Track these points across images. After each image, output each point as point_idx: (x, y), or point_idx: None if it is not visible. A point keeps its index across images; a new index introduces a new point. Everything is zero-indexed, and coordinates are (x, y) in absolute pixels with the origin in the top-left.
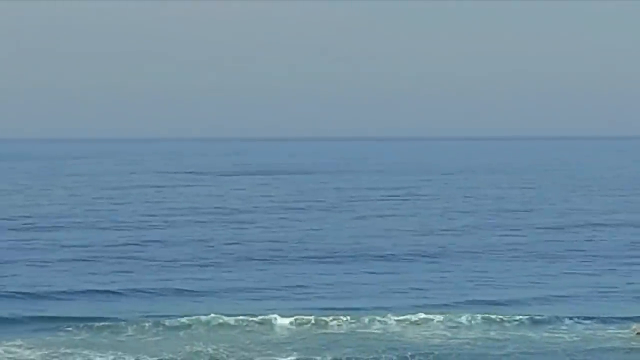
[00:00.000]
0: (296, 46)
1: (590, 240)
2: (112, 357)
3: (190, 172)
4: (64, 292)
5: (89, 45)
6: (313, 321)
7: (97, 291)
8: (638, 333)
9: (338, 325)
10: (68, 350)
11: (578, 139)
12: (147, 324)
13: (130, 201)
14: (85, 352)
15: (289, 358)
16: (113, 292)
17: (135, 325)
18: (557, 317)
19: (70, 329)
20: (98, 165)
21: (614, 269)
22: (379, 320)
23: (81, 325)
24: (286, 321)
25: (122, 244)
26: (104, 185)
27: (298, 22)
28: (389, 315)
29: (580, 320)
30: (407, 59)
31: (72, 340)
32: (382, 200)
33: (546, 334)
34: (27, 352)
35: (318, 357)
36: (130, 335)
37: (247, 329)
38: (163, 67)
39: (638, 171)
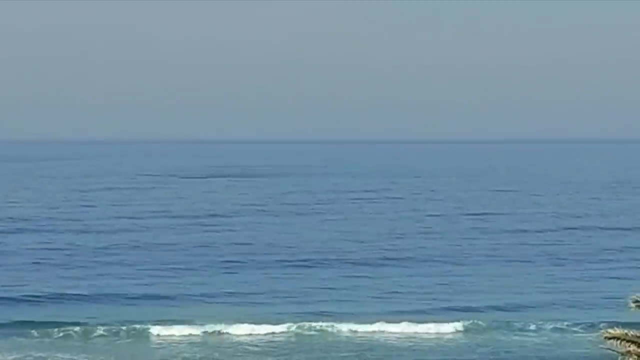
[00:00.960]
0: (275, 48)
1: (560, 244)
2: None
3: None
4: (33, 296)
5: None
6: (295, 328)
7: (67, 295)
8: (605, 337)
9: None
10: (41, 354)
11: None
12: (120, 328)
13: (97, 204)
14: (58, 355)
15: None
16: (83, 296)
17: (106, 328)
18: (527, 322)
19: (40, 332)
20: (64, 167)
21: (584, 274)
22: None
23: (52, 329)
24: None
25: (92, 248)
26: (73, 187)
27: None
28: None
29: (549, 325)
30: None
31: (43, 343)
32: (352, 202)
33: (516, 338)
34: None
35: None
36: (102, 337)
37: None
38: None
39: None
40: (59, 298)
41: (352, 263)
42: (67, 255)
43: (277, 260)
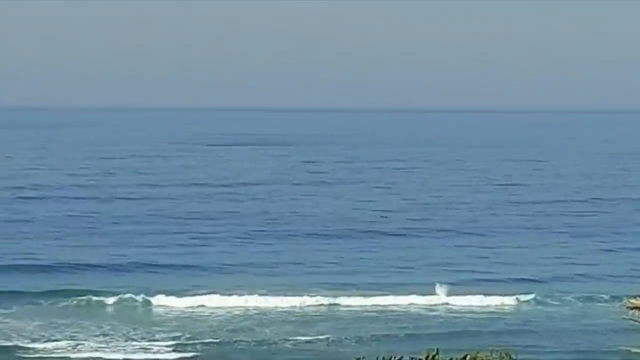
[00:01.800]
0: (268, 28)
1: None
2: (108, 327)
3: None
4: (54, 264)
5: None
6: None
7: (85, 264)
8: (627, 307)
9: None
10: (64, 321)
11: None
12: (138, 298)
13: (122, 172)
14: (84, 322)
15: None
16: (100, 266)
17: (122, 298)
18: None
19: (60, 300)
20: (86, 135)
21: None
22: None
23: (71, 297)
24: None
25: (114, 216)
26: (98, 155)
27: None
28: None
29: (573, 296)
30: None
31: (65, 310)
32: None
33: (541, 308)
34: (22, 322)
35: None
36: (123, 307)
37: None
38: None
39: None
40: (78, 267)
41: (380, 233)
42: (89, 224)
43: (308, 233)
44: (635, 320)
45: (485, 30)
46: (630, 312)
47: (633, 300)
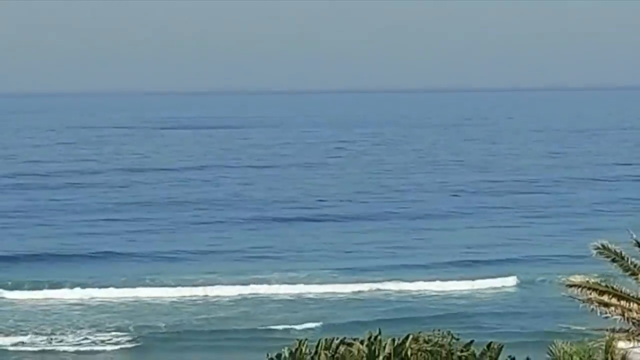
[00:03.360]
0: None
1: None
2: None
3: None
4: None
5: None
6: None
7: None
8: (567, 285)
9: None
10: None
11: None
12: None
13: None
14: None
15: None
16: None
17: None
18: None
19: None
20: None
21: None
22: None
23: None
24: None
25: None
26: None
27: None
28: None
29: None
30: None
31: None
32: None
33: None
34: None
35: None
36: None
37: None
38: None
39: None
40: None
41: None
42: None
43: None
44: (574, 298)
45: None
46: (569, 289)
47: (572, 278)
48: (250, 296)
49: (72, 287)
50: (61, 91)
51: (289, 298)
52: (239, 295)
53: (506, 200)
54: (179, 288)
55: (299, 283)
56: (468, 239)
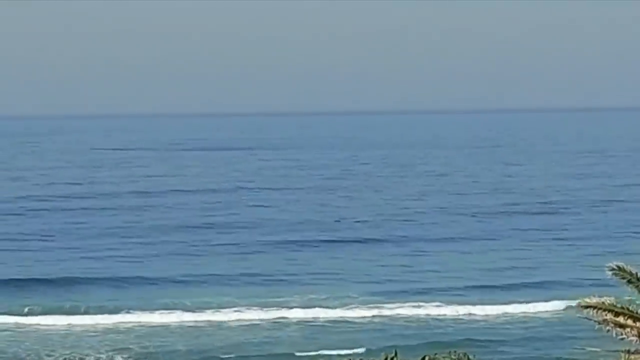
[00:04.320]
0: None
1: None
2: None
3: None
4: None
5: None
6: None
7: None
8: (582, 306)
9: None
10: None
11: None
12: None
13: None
14: None
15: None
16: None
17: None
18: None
19: None
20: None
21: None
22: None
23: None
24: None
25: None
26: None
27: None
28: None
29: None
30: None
31: None
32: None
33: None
34: None
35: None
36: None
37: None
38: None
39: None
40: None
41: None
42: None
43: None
44: (590, 319)
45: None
46: (585, 311)
47: (587, 300)
48: (269, 320)
49: (90, 311)
50: (77, 114)
51: (307, 322)
52: (260, 319)
53: (530, 221)
54: (198, 312)
55: (316, 307)
56: (491, 262)
